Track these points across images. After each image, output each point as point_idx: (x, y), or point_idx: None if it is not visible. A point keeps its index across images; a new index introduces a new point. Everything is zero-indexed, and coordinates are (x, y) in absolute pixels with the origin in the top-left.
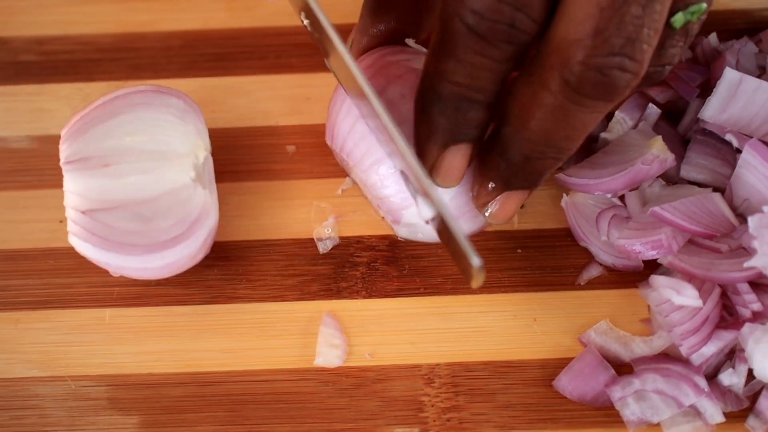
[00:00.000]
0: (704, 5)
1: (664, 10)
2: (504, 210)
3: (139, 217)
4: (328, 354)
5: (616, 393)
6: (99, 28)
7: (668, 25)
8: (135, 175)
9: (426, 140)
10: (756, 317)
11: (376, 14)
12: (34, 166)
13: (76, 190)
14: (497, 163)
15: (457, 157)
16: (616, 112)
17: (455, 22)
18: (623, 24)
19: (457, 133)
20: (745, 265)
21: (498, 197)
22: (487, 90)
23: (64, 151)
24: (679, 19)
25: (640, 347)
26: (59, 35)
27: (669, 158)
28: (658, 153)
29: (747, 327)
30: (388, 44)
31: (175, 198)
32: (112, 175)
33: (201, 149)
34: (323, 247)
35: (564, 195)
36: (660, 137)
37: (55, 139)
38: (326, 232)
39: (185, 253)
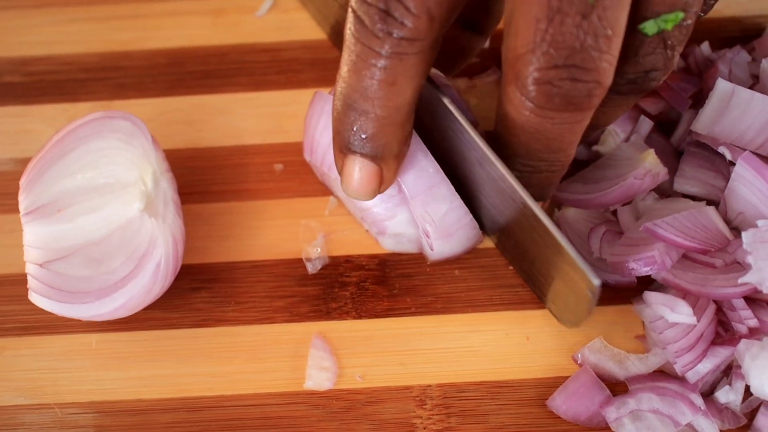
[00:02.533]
0: (681, 14)
1: (615, 15)
2: None
3: (91, 260)
4: (318, 377)
5: (612, 413)
6: (84, 48)
7: (640, 32)
8: (84, 215)
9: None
10: (752, 333)
11: None
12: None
13: (33, 242)
14: None
15: (354, 169)
16: None
17: (349, 11)
18: (563, 35)
19: (348, 140)
20: (740, 281)
21: None
22: (374, 98)
23: (22, 202)
24: (650, 26)
25: (635, 365)
26: (44, 55)
27: (662, 172)
28: (650, 167)
29: (743, 343)
30: None
31: (125, 233)
32: (64, 220)
33: (148, 173)
34: (312, 267)
35: (555, 210)
36: (652, 151)
37: None
38: (315, 252)
39: (136, 291)
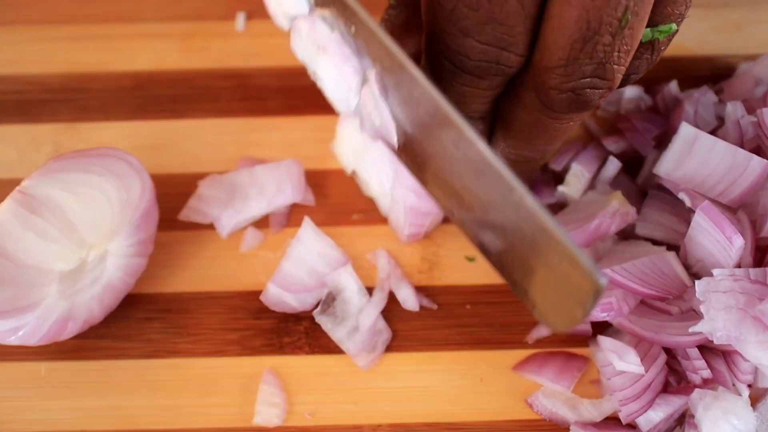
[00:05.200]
0: (674, 26)
1: (635, 33)
2: None
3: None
4: (267, 413)
5: None
6: (49, 68)
7: None
8: (34, 232)
9: None
10: (706, 383)
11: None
12: None
13: None
14: None
15: None
16: (573, 164)
17: (441, 61)
18: (594, 52)
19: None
20: (691, 330)
21: None
22: (478, 110)
23: (26, 180)
24: (646, 34)
25: (588, 410)
26: (7, 75)
27: (631, 211)
28: (618, 206)
29: (696, 393)
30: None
31: (32, 275)
32: (25, 222)
33: (98, 249)
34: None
35: None
36: (619, 192)
37: (1, 183)
38: None
39: (20, 334)
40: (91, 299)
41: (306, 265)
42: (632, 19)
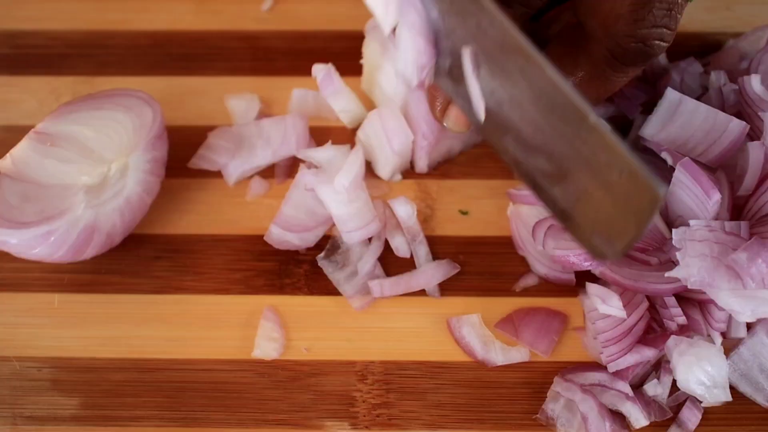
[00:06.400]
0: None
1: None
2: None
3: (22, 194)
4: (266, 346)
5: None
6: (71, 25)
7: None
8: (53, 159)
9: None
10: (682, 330)
11: None
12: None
13: (14, 152)
14: None
15: None
16: None
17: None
18: None
19: None
20: (667, 275)
21: None
22: None
23: (41, 122)
24: None
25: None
26: (32, 30)
27: None
28: None
29: (672, 339)
30: None
31: (58, 191)
32: (42, 152)
33: (119, 163)
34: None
35: (510, 204)
36: None
37: (20, 130)
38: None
39: (29, 236)
40: (113, 211)
41: (305, 206)
42: None
